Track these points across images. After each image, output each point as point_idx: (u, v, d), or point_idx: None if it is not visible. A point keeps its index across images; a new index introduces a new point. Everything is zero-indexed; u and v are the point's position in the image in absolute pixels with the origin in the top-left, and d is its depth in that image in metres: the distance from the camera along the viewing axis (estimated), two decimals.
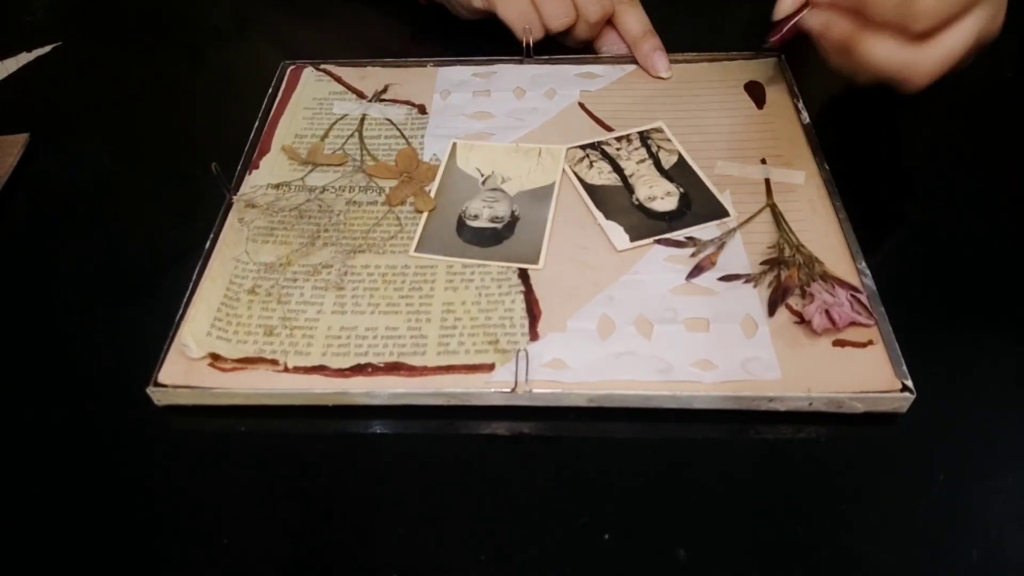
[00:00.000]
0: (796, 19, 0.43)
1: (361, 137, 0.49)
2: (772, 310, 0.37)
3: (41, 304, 0.42)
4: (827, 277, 0.38)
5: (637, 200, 0.43)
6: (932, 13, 0.37)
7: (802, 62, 0.51)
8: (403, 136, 0.49)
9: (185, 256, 0.42)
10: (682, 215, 0.42)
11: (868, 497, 0.33)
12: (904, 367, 0.35)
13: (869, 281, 0.38)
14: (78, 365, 0.39)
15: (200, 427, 0.36)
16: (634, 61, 0.52)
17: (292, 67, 0.54)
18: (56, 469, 0.35)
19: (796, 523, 0.32)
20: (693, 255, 0.40)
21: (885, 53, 0.39)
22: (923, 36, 0.38)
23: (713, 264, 0.40)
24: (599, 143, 0.47)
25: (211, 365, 0.37)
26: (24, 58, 0.59)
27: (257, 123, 0.50)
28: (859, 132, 0.49)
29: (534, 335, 0.37)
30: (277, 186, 0.45)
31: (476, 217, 0.43)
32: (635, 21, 0.51)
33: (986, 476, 0.33)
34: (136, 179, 0.50)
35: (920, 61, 0.39)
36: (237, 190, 0.45)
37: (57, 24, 0.63)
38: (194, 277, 0.40)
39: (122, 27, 0.63)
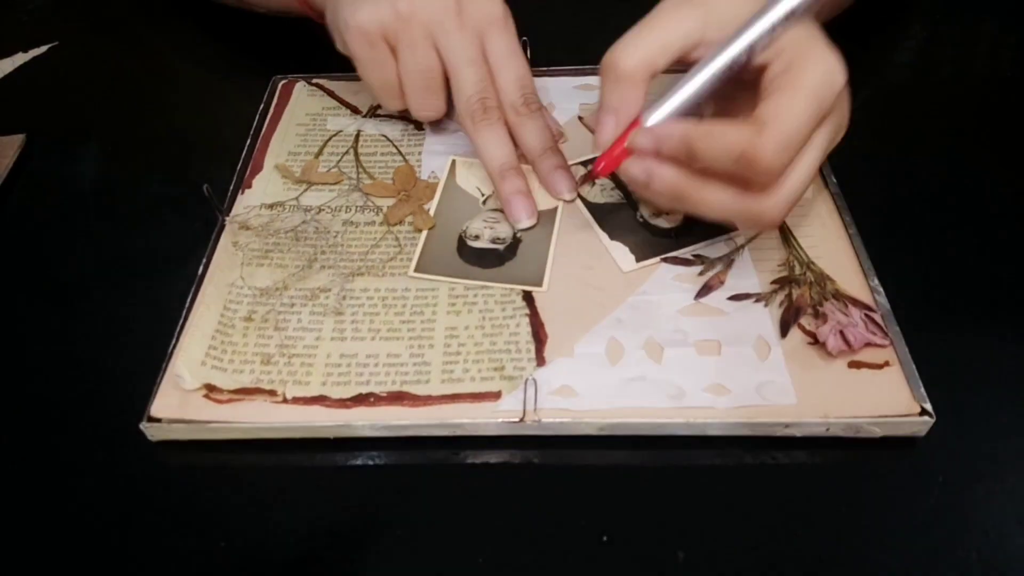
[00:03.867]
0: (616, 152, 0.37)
1: (357, 154, 0.47)
2: (784, 331, 0.37)
3: (28, 320, 0.41)
4: (839, 296, 0.37)
5: (642, 217, 0.42)
6: (777, 169, 0.32)
7: None
8: (400, 153, 0.47)
9: (177, 280, 0.41)
10: (689, 231, 0.41)
11: (884, 519, 0.32)
12: (922, 389, 0.34)
13: (882, 299, 0.37)
14: (65, 396, 0.38)
15: (196, 462, 0.35)
16: None
17: (284, 81, 0.53)
18: (43, 512, 0.34)
19: (812, 546, 0.31)
20: (701, 273, 0.39)
21: (722, 204, 0.34)
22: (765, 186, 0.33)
23: (722, 283, 0.39)
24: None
25: (206, 396, 0.36)
26: (20, 58, 0.58)
27: (249, 140, 0.48)
28: (865, 143, 0.48)
29: (541, 360, 0.36)
30: (271, 206, 0.44)
31: (477, 238, 0.42)
32: (535, 135, 0.43)
33: (1012, 501, 0.32)
34: (127, 194, 0.48)
35: (765, 208, 0.33)
36: (230, 211, 0.44)
37: (53, 24, 0.63)
38: (187, 304, 0.39)
39: (118, 28, 0.62)
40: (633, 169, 0.36)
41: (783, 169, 0.32)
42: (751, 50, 0.33)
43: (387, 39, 0.43)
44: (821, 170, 0.44)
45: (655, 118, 0.35)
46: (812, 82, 0.32)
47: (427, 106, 0.45)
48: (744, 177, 0.33)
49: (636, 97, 0.35)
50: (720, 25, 0.34)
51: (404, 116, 0.48)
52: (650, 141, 0.35)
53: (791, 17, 0.33)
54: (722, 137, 0.32)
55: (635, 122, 0.36)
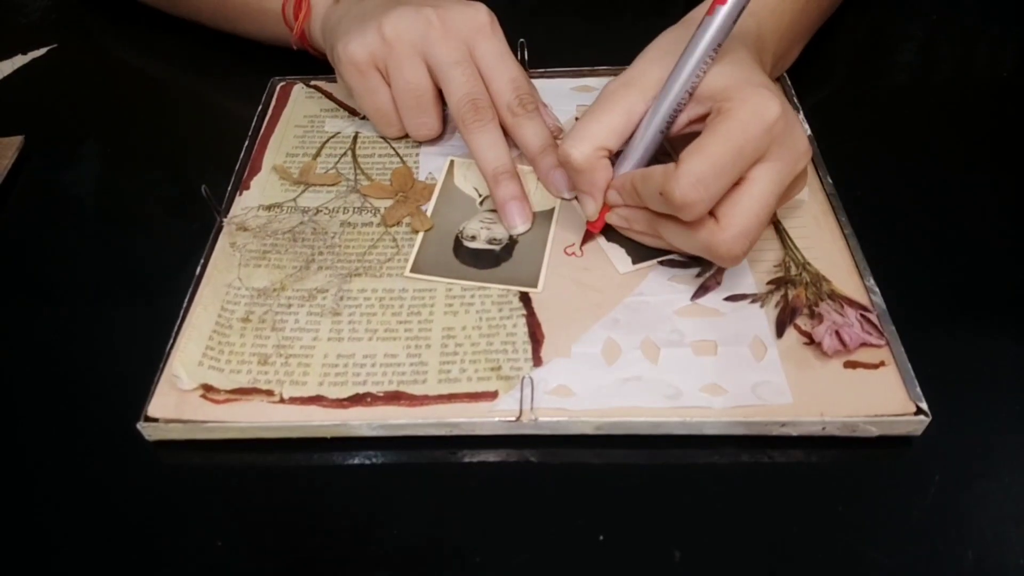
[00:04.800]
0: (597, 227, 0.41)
1: (355, 155, 0.47)
2: (780, 331, 0.37)
3: (26, 321, 0.41)
4: (835, 296, 0.37)
5: None
6: (692, 202, 0.33)
7: (803, 75, 0.50)
8: (397, 154, 0.47)
9: (174, 281, 0.41)
10: None
11: (880, 518, 0.32)
12: (918, 388, 0.34)
13: (878, 299, 0.37)
14: (62, 396, 0.38)
15: (193, 462, 0.35)
16: None
17: (282, 83, 0.53)
18: (40, 511, 0.34)
19: (808, 545, 0.31)
20: (698, 275, 0.39)
21: (680, 239, 0.37)
22: (705, 219, 0.35)
23: (718, 284, 0.39)
24: None
25: (203, 397, 0.36)
26: (19, 60, 0.59)
27: (247, 142, 0.48)
28: (860, 144, 0.48)
29: (538, 360, 0.36)
30: (269, 207, 0.44)
31: (474, 238, 0.42)
32: (533, 134, 0.43)
33: (1009, 499, 0.32)
34: (125, 196, 0.49)
35: (717, 243, 0.35)
36: (227, 212, 0.44)
37: (52, 26, 0.63)
38: (184, 304, 0.39)
39: (117, 30, 0.62)
40: (614, 219, 0.40)
41: (700, 202, 0.33)
42: (686, 93, 0.36)
43: (377, 66, 0.44)
44: (816, 170, 0.44)
45: (621, 172, 0.39)
46: (732, 122, 0.34)
47: (420, 125, 0.46)
48: (678, 216, 0.35)
49: (600, 177, 0.38)
50: (656, 92, 0.37)
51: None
52: (616, 195, 0.39)
53: (708, 59, 0.36)
54: (651, 177, 0.35)
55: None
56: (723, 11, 0.35)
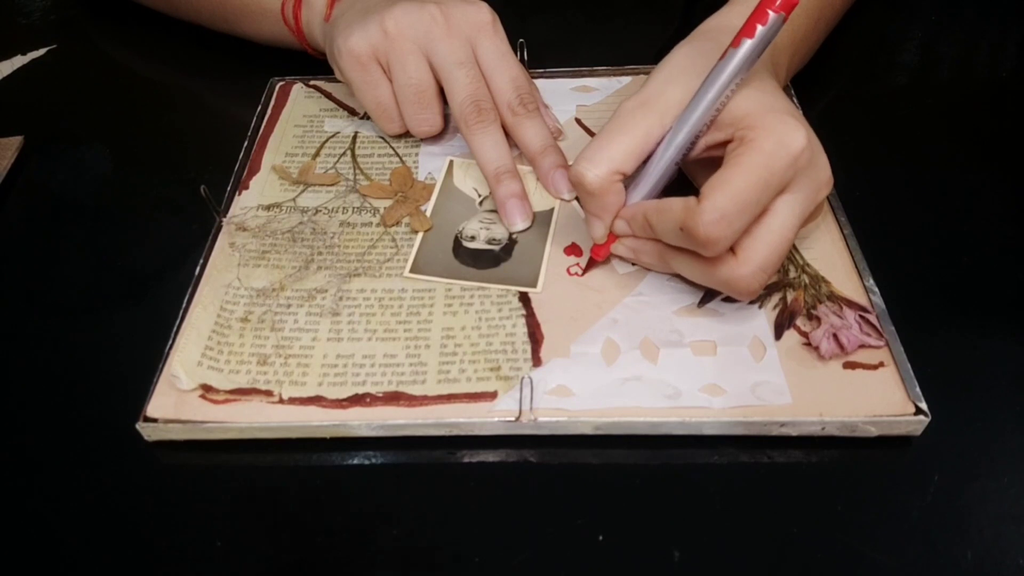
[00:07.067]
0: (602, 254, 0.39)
1: (354, 155, 0.47)
2: (779, 333, 0.37)
3: (25, 321, 0.41)
4: (834, 298, 0.37)
5: None
6: (716, 239, 0.32)
7: (803, 76, 0.50)
8: (397, 154, 0.47)
9: (174, 281, 0.41)
10: None
11: (879, 518, 0.32)
12: (917, 388, 0.34)
13: (878, 299, 0.37)
14: (61, 396, 0.38)
15: (192, 463, 0.35)
16: (630, 73, 0.52)
17: (281, 83, 0.53)
18: (39, 512, 0.34)
19: (807, 545, 0.31)
20: None
21: (694, 273, 0.36)
22: (726, 254, 0.34)
23: None
24: None
25: (202, 397, 0.36)
26: (19, 61, 0.59)
27: (246, 142, 0.48)
28: (860, 144, 0.48)
29: (537, 361, 0.36)
30: (268, 207, 0.44)
31: (473, 238, 0.42)
32: (533, 134, 0.43)
33: (1007, 500, 0.32)
34: (125, 196, 0.49)
35: (735, 277, 0.34)
36: (227, 212, 0.44)
37: (52, 27, 0.63)
38: (184, 304, 0.39)
39: (117, 31, 0.62)
40: (620, 250, 0.39)
41: (724, 239, 0.32)
42: (704, 124, 0.35)
43: (379, 60, 0.44)
44: None
45: (631, 201, 0.37)
46: (757, 154, 0.32)
47: (422, 121, 0.45)
48: (697, 251, 0.33)
49: (612, 201, 0.37)
50: (676, 114, 0.35)
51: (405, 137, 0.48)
52: (625, 225, 0.37)
53: (731, 87, 0.34)
54: (668, 211, 0.34)
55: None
56: (748, 44, 0.33)
